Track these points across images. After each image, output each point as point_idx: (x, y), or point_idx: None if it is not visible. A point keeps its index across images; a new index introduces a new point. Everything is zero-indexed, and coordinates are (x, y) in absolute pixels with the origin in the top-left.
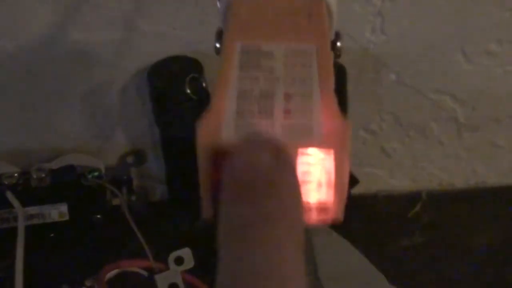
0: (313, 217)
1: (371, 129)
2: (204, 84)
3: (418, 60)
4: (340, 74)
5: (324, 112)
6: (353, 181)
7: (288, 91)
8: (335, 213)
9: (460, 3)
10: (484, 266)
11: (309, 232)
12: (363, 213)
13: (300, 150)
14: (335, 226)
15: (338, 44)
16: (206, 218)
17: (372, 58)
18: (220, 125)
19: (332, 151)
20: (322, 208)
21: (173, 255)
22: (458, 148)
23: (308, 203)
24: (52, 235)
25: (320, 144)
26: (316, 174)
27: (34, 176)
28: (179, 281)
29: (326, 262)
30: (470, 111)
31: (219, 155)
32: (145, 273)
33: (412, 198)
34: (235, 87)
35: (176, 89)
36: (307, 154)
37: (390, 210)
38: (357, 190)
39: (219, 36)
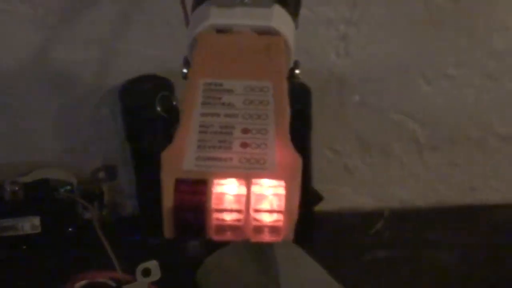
0: (266, 237)
1: (335, 149)
2: (174, 102)
3: (380, 82)
4: (305, 94)
5: (277, 146)
6: (317, 198)
7: (246, 126)
8: (285, 234)
9: (420, 29)
10: (443, 280)
11: (272, 246)
12: (327, 229)
13: (255, 180)
14: (299, 241)
15: (297, 71)
16: (168, 237)
17: (337, 80)
18: (182, 157)
19: (283, 182)
20: (274, 229)
21: (141, 267)
22: (418, 168)
23: (262, 224)
24: (24, 247)
25: (273, 175)
26: (269, 200)
27: (8, 189)
28: None
29: (288, 274)
30: (430, 131)
31: (180, 183)
32: (113, 284)
33: (375, 215)
34: (197, 121)
35: (147, 107)
36: (262, 185)
37: (353, 226)
38: (321, 206)
39: (186, 63)
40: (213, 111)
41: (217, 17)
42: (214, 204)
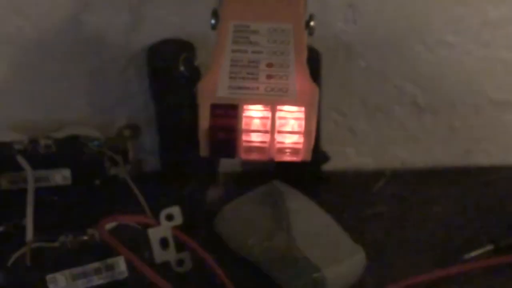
0: (288, 157)
1: (341, 111)
2: (196, 63)
3: (384, 48)
4: (315, 59)
5: (297, 77)
6: (324, 158)
7: (270, 60)
8: (304, 154)
9: None
10: (437, 231)
11: (283, 197)
12: (332, 187)
13: (279, 106)
14: (309, 195)
15: (312, 23)
16: (203, 155)
17: (344, 45)
18: (216, 85)
19: (303, 108)
20: (294, 149)
21: (164, 212)
22: (418, 130)
23: (284, 146)
24: (56, 197)
25: (294, 102)
26: (291, 124)
27: (42, 144)
28: (169, 235)
29: (298, 221)
30: (430, 96)
31: (215, 107)
32: (139, 227)
33: (376, 174)
34: (229, 56)
35: (171, 67)
36: (285, 110)
37: (356, 184)
38: (328, 166)
39: (215, 14)
40: (242, 48)
41: None
42: (244, 125)
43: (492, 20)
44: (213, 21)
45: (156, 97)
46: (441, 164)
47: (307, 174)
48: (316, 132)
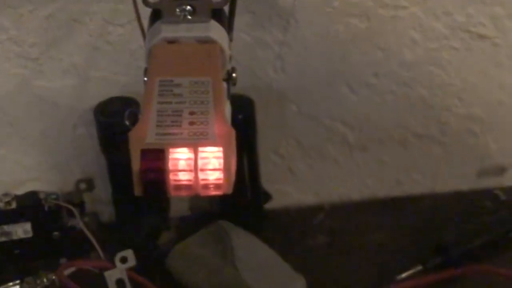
0: (212, 191)
1: (279, 152)
2: (140, 117)
3: (313, 93)
4: (250, 105)
5: (216, 122)
6: (266, 197)
7: (192, 109)
8: (226, 188)
9: (342, 45)
10: (373, 256)
11: (229, 234)
12: (275, 224)
13: (201, 148)
14: (252, 232)
15: (234, 75)
16: (137, 194)
17: (276, 92)
18: (145, 133)
19: (221, 148)
20: (217, 185)
21: (119, 255)
22: (351, 166)
23: (208, 182)
24: (17, 251)
25: (214, 143)
26: (212, 163)
27: (3, 200)
28: (124, 276)
29: (244, 256)
30: (358, 133)
31: (144, 152)
32: (97, 270)
33: (316, 209)
34: (155, 108)
35: (118, 123)
36: (206, 151)
37: (298, 219)
38: (270, 205)
39: (145, 72)
40: (167, 100)
41: (167, 31)
42: (171, 166)
43: (409, 61)
44: (145, 78)
45: (105, 151)
46: (374, 196)
47: (251, 213)
48: (256, 173)
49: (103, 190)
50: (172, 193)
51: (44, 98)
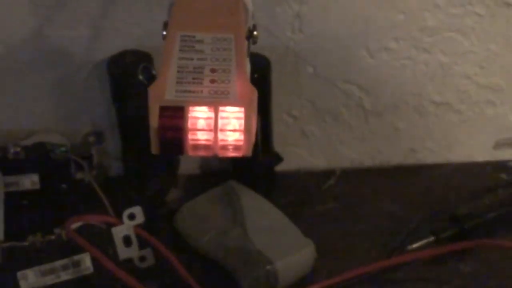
0: (230, 153)
1: (292, 114)
2: (153, 72)
3: (330, 55)
4: (265, 66)
5: (238, 81)
6: (278, 159)
7: (213, 67)
8: (245, 150)
9: (363, 8)
10: (383, 224)
11: (238, 195)
12: (285, 186)
13: (221, 108)
14: (263, 195)
15: (255, 33)
16: (154, 153)
17: (292, 53)
18: (164, 89)
19: (243, 108)
20: (236, 146)
21: (127, 211)
22: (365, 131)
23: (227, 143)
24: (24, 202)
25: (235, 103)
26: (232, 123)
27: (11, 151)
28: (131, 233)
29: (252, 218)
30: (374, 99)
31: (163, 109)
32: (103, 226)
33: (327, 174)
34: (176, 64)
35: (131, 76)
36: (227, 111)
37: (309, 183)
38: (281, 167)
39: (166, 26)
40: (188, 55)
41: None
42: (190, 125)
43: (430, 27)
44: (164, 33)
45: (117, 105)
46: (387, 162)
47: (262, 174)
48: (269, 134)
49: (112, 145)
50: (190, 152)
51: (57, 48)
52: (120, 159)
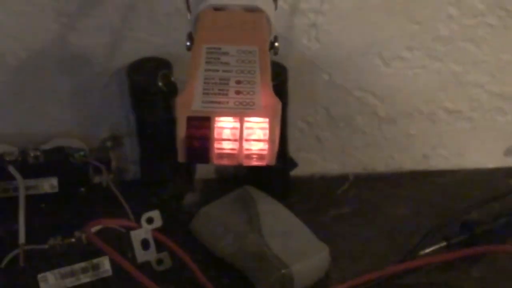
0: (254, 162)
1: (307, 120)
2: (173, 79)
3: (345, 63)
4: (282, 73)
5: (262, 93)
6: (292, 164)
7: (238, 78)
8: (269, 159)
9: (378, 18)
10: (396, 230)
11: (254, 200)
12: (300, 191)
13: (247, 118)
14: (279, 199)
15: (276, 44)
16: (181, 161)
17: (308, 61)
18: (191, 100)
19: (267, 119)
20: (260, 155)
21: (145, 215)
22: (378, 138)
23: (251, 152)
24: (43, 205)
25: (259, 114)
26: (257, 133)
27: (31, 155)
28: (149, 237)
29: (268, 222)
30: (388, 106)
31: (190, 119)
32: (122, 230)
33: (341, 179)
34: (202, 75)
35: (150, 83)
36: (251, 121)
37: (322, 188)
38: (295, 172)
39: (190, 37)
40: (214, 67)
41: None
42: (216, 135)
43: (443, 36)
44: (188, 43)
45: (136, 110)
46: (400, 169)
47: (277, 180)
48: (284, 140)
49: (129, 149)
50: (215, 161)
51: (78, 55)
52: (137, 163)
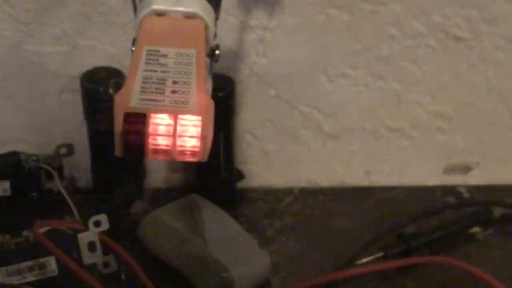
0: (188, 158)
1: (255, 134)
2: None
3: (291, 79)
4: (230, 84)
5: (197, 93)
6: (240, 176)
7: (175, 79)
8: (201, 155)
9: (323, 36)
10: (336, 241)
11: (200, 207)
12: (246, 202)
13: (180, 115)
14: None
15: (217, 52)
16: (118, 155)
17: (256, 76)
18: (129, 98)
19: (200, 117)
20: (193, 152)
21: (93, 219)
22: (322, 153)
23: (185, 148)
24: None
25: (193, 112)
26: (191, 131)
27: None
28: (96, 239)
29: (212, 229)
30: (332, 122)
31: (127, 115)
32: (70, 231)
33: (286, 192)
34: (141, 75)
35: (102, 91)
36: (185, 119)
37: (267, 201)
38: (242, 184)
39: (134, 42)
40: (152, 68)
41: (157, 4)
42: (151, 130)
43: (385, 56)
44: (133, 48)
45: (88, 118)
46: (342, 183)
47: (224, 191)
48: (231, 152)
49: (81, 157)
50: (150, 156)
51: (33, 62)
52: (88, 171)
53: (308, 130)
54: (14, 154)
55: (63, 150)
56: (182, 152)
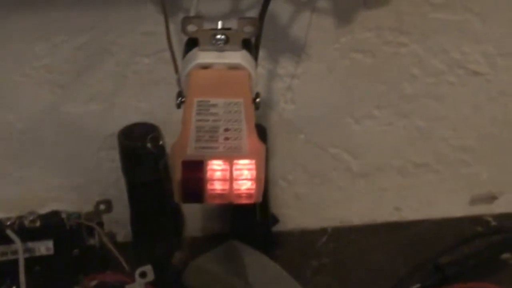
0: (244, 200)
1: (287, 178)
2: (161, 142)
3: (319, 123)
4: (262, 133)
5: (248, 138)
6: (274, 220)
7: (226, 126)
8: (256, 197)
9: (348, 79)
10: (373, 276)
11: (240, 252)
12: (282, 245)
13: (235, 160)
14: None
15: (257, 100)
16: (177, 202)
17: (285, 121)
18: (185, 147)
19: (254, 161)
20: (248, 194)
21: (139, 270)
22: (353, 192)
23: (240, 191)
24: (38, 267)
25: (246, 156)
26: (245, 174)
27: (28, 219)
28: None
29: (255, 273)
30: (361, 161)
31: (185, 163)
32: (118, 284)
33: (320, 232)
34: (194, 125)
35: (140, 146)
36: (240, 163)
37: (302, 241)
38: (277, 228)
39: (179, 95)
40: (204, 117)
41: (202, 58)
42: (208, 176)
43: (408, 94)
44: (178, 101)
45: (126, 173)
46: (374, 220)
47: (259, 236)
48: (266, 197)
49: (120, 212)
50: (208, 200)
51: (71, 123)
52: (127, 225)
53: (337, 170)
54: (56, 213)
55: (102, 206)
56: (238, 195)
